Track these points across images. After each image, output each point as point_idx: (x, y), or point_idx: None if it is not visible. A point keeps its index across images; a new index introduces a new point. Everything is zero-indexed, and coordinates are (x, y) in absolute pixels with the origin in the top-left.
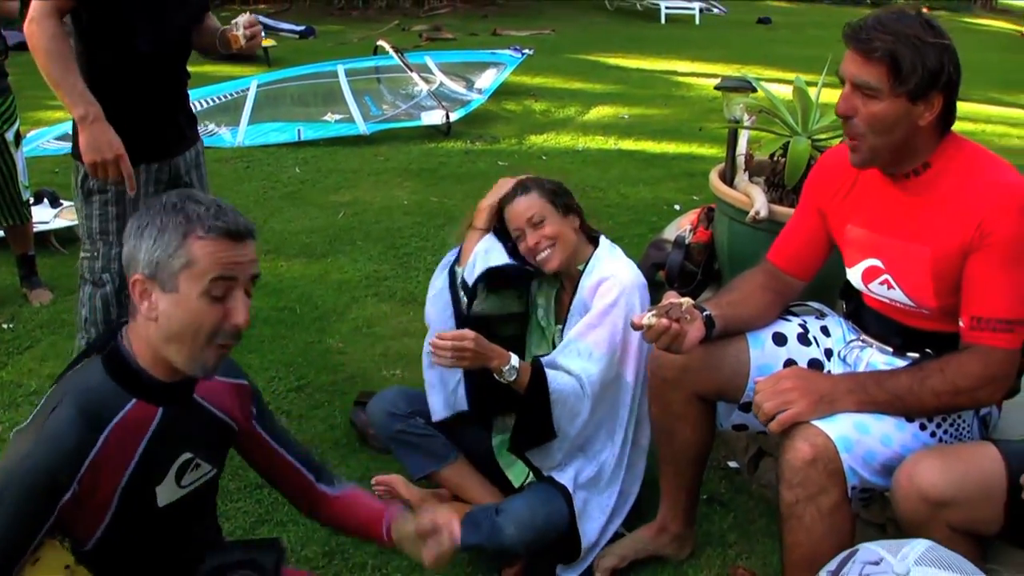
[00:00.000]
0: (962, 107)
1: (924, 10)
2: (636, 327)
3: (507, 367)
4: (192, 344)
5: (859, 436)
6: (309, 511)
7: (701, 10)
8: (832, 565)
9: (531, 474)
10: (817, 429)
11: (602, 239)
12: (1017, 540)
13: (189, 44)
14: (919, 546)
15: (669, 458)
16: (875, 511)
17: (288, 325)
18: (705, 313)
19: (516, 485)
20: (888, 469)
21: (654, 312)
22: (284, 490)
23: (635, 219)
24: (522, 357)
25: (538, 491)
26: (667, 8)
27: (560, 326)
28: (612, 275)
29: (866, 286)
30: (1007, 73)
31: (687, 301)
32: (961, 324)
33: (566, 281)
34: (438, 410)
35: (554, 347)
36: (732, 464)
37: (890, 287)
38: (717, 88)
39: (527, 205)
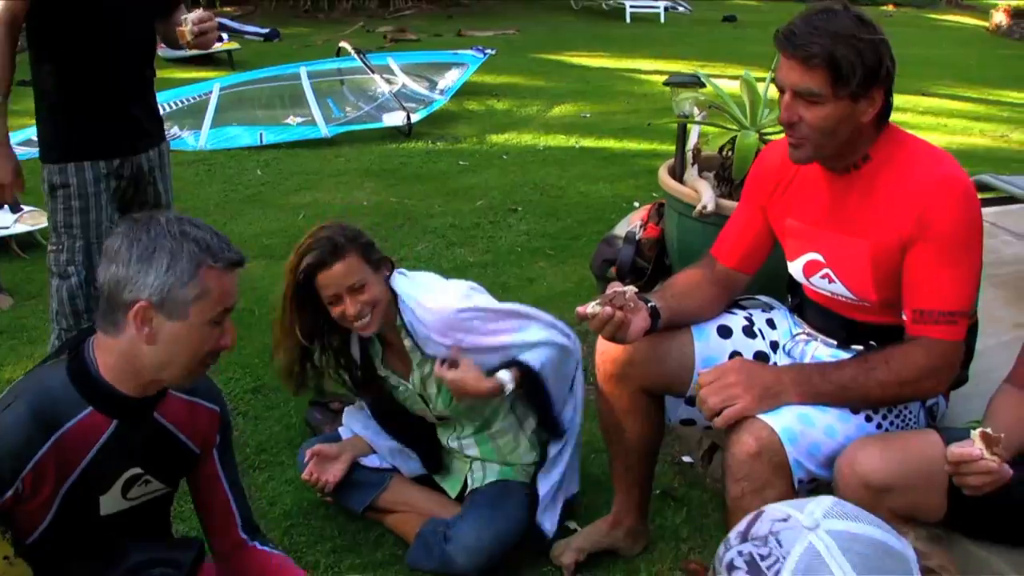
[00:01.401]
0: (925, 102)
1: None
2: (581, 317)
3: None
4: (189, 365)
5: (804, 428)
6: (220, 552)
7: (666, 8)
8: (741, 526)
9: (466, 485)
10: (762, 422)
11: (394, 286)
12: (960, 527)
13: (152, 39)
14: (825, 501)
15: (620, 453)
16: None
17: (246, 326)
18: (650, 304)
19: (452, 496)
20: (833, 461)
21: (599, 301)
22: (207, 523)
23: (593, 217)
24: (411, 423)
25: (484, 508)
26: (632, 7)
27: (411, 377)
28: (439, 312)
29: (808, 279)
30: (972, 68)
31: (631, 289)
32: (904, 317)
33: (385, 333)
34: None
35: (427, 401)
36: (686, 458)
37: (831, 280)
38: (666, 84)
39: (346, 271)
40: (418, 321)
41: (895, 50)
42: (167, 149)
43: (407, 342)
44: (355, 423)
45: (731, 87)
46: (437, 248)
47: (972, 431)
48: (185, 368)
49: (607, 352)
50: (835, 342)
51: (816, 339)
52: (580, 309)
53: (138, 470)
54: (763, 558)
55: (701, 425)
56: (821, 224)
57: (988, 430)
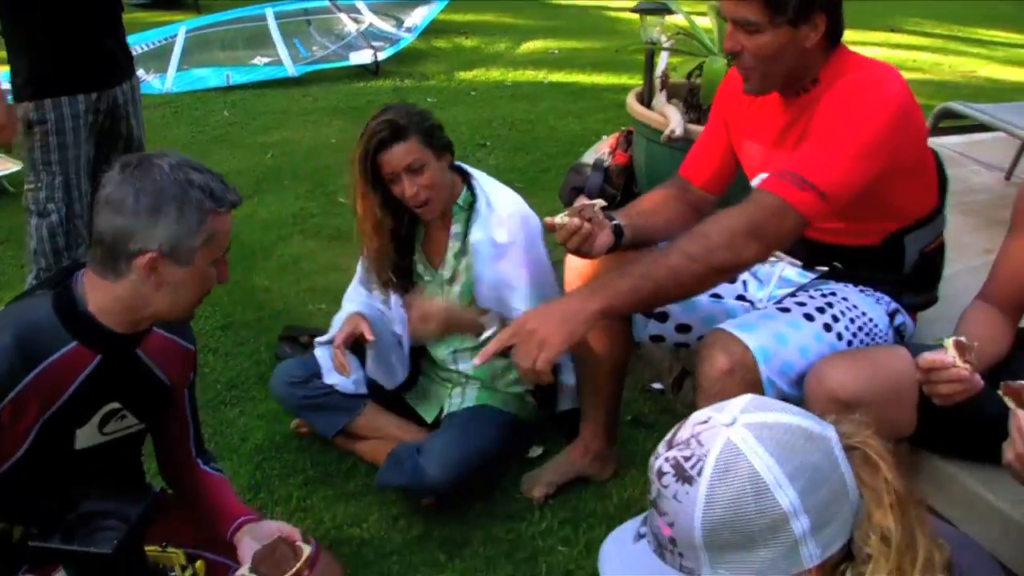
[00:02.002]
0: (895, 37)
1: None
2: (549, 226)
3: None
4: (194, 303)
5: (777, 347)
6: (171, 473)
7: None
8: (668, 435)
9: (442, 411)
10: (736, 339)
11: (469, 169)
12: (930, 443)
13: None
14: (743, 399)
15: (587, 373)
16: None
17: None
18: (614, 222)
19: (429, 421)
20: (804, 379)
21: (567, 212)
22: (161, 445)
23: (563, 151)
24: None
25: (458, 426)
26: None
27: (440, 269)
28: (514, 210)
29: None
30: (942, 5)
31: (599, 202)
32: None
33: (438, 220)
34: (393, 378)
35: (446, 295)
36: (656, 386)
37: None
38: (634, 10)
39: (405, 152)
40: (488, 207)
41: None
42: (138, 84)
43: (456, 227)
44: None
45: (703, 22)
46: None
47: (945, 339)
48: (190, 306)
49: (575, 268)
50: (800, 263)
51: (782, 260)
52: (548, 220)
53: (116, 404)
54: (687, 459)
55: (671, 341)
56: (775, 144)
57: (962, 338)
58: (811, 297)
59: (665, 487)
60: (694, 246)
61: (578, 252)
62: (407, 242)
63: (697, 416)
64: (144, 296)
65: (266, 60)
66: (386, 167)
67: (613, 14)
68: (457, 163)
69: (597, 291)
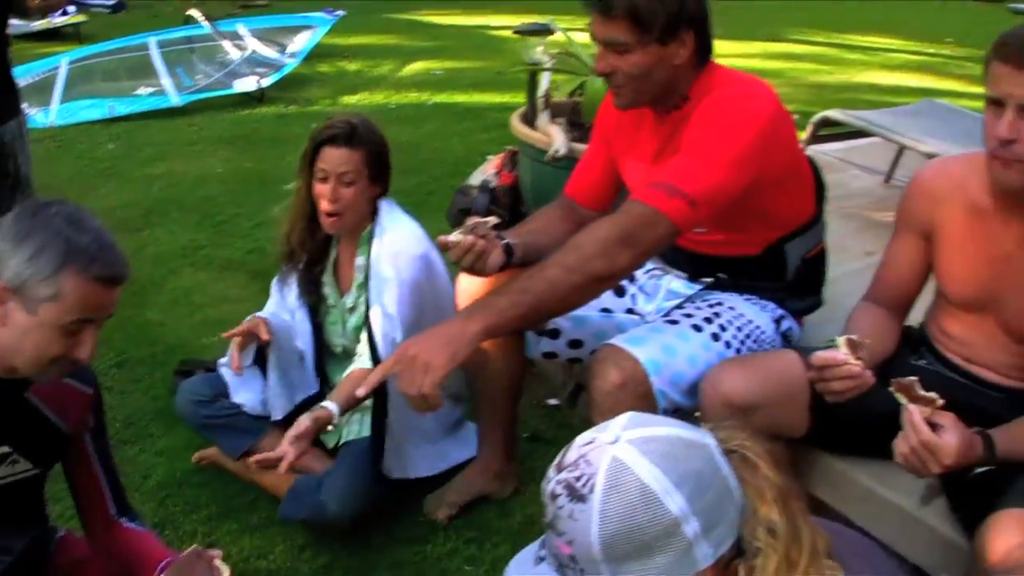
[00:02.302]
0: (776, 47)
1: None
2: (443, 246)
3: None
4: (34, 362)
5: (667, 359)
6: (92, 533)
7: None
8: (556, 459)
9: (341, 437)
10: (626, 353)
11: (385, 205)
12: (824, 442)
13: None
14: (622, 418)
15: (483, 392)
16: None
17: None
18: (504, 241)
19: (329, 447)
20: (695, 389)
21: (460, 230)
22: (80, 503)
23: (448, 172)
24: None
25: (356, 456)
26: None
27: (345, 297)
28: (402, 248)
29: None
30: (823, 13)
31: (492, 220)
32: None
33: (344, 242)
34: (279, 407)
35: (344, 324)
36: (552, 401)
37: None
38: (515, 32)
39: (346, 158)
40: (380, 242)
41: None
42: (24, 120)
43: (359, 259)
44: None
45: (583, 38)
46: None
47: (837, 337)
48: (31, 363)
49: (467, 289)
50: (685, 275)
51: (668, 273)
52: (442, 238)
53: (6, 448)
54: (577, 479)
55: (564, 357)
56: (654, 162)
57: (853, 336)
58: (698, 308)
59: (560, 508)
60: (569, 257)
61: (472, 270)
62: (321, 248)
63: (582, 438)
64: None
65: (150, 90)
66: (322, 162)
67: (494, 33)
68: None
69: (477, 311)
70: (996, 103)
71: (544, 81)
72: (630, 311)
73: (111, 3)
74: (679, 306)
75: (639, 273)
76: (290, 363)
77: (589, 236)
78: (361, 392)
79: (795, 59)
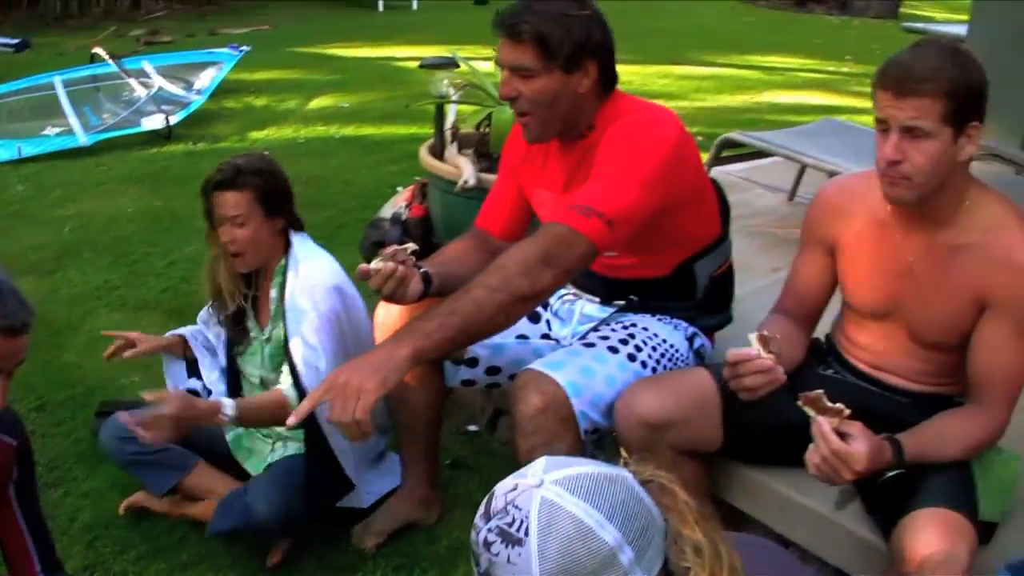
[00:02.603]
0: (678, 69)
1: None
2: (363, 274)
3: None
4: None
5: (586, 381)
6: None
7: None
8: (481, 509)
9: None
10: (548, 378)
11: (295, 237)
12: (738, 455)
13: None
14: (540, 462)
15: (405, 423)
16: (611, 452)
17: None
18: (422, 270)
19: (254, 474)
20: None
21: (381, 257)
22: (6, 561)
23: (358, 205)
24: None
25: (284, 466)
26: None
27: (265, 329)
28: (317, 280)
29: None
30: (722, 36)
31: (411, 246)
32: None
33: (262, 276)
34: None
35: (263, 356)
36: (472, 427)
37: None
38: (421, 66)
39: (234, 202)
40: (295, 274)
41: (647, 22)
42: None
43: (273, 292)
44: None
45: (486, 67)
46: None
47: (749, 335)
48: None
49: (385, 322)
50: (597, 299)
51: (581, 297)
52: (363, 267)
53: None
54: (510, 524)
55: (482, 384)
56: (564, 190)
57: (764, 332)
58: (613, 330)
59: (496, 555)
60: (493, 278)
61: (392, 298)
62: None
63: (504, 486)
64: None
65: (57, 130)
66: (216, 208)
67: (399, 65)
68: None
69: (405, 336)
70: (881, 125)
71: (451, 113)
72: (545, 336)
73: (15, 42)
74: (594, 329)
75: (552, 299)
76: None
77: (511, 257)
78: (291, 421)
79: (697, 80)
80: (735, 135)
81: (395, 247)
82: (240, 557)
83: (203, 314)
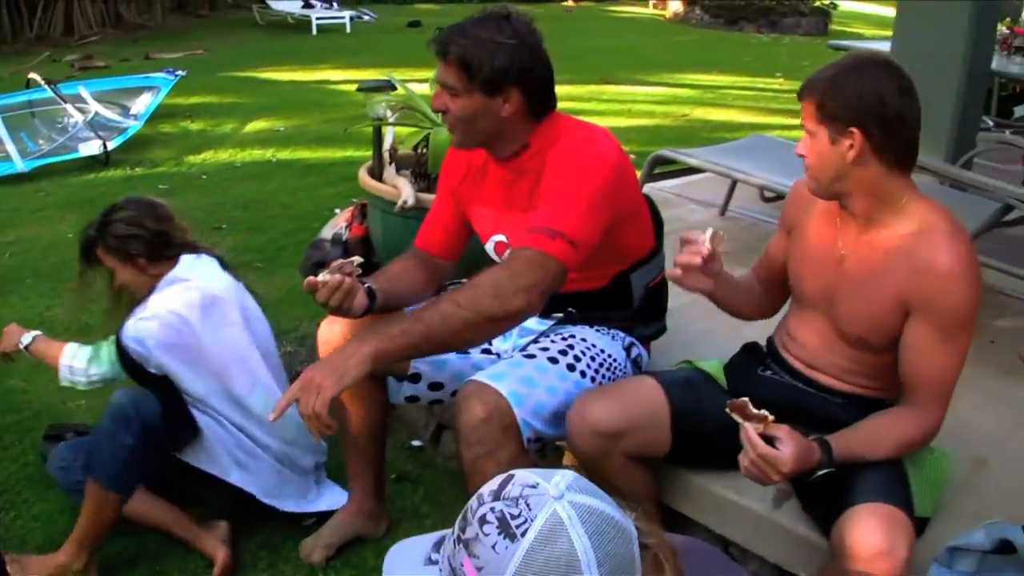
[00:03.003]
0: (609, 90)
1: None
2: (311, 286)
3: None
4: None
5: (528, 390)
6: None
7: (352, 18)
8: (494, 485)
9: None
10: (490, 388)
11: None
12: (683, 459)
13: None
14: (568, 475)
15: (350, 440)
16: (552, 459)
17: None
18: (366, 285)
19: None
20: (557, 417)
21: (328, 270)
22: None
23: (298, 227)
24: None
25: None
26: (318, 19)
27: None
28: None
29: (500, 258)
30: (652, 55)
31: (357, 259)
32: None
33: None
34: None
35: None
36: (416, 442)
37: None
38: (359, 89)
39: (108, 261)
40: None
41: (578, 42)
42: None
43: None
44: None
45: (422, 89)
46: None
47: (709, 229)
48: None
49: (328, 341)
50: (537, 313)
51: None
52: (310, 279)
53: None
54: (513, 518)
55: (426, 400)
56: (500, 207)
57: (720, 232)
58: (552, 341)
59: (486, 535)
60: (463, 295)
61: (339, 311)
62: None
63: (525, 477)
64: None
65: None
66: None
67: (333, 88)
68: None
69: (368, 336)
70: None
71: (389, 135)
72: (486, 351)
73: None
74: (534, 341)
75: None
76: None
77: (483, 278)
78: (271, 418)
79: (629, 101)
80: (666, 152)
81: (341, 260)
82: (192, 574)
83: None
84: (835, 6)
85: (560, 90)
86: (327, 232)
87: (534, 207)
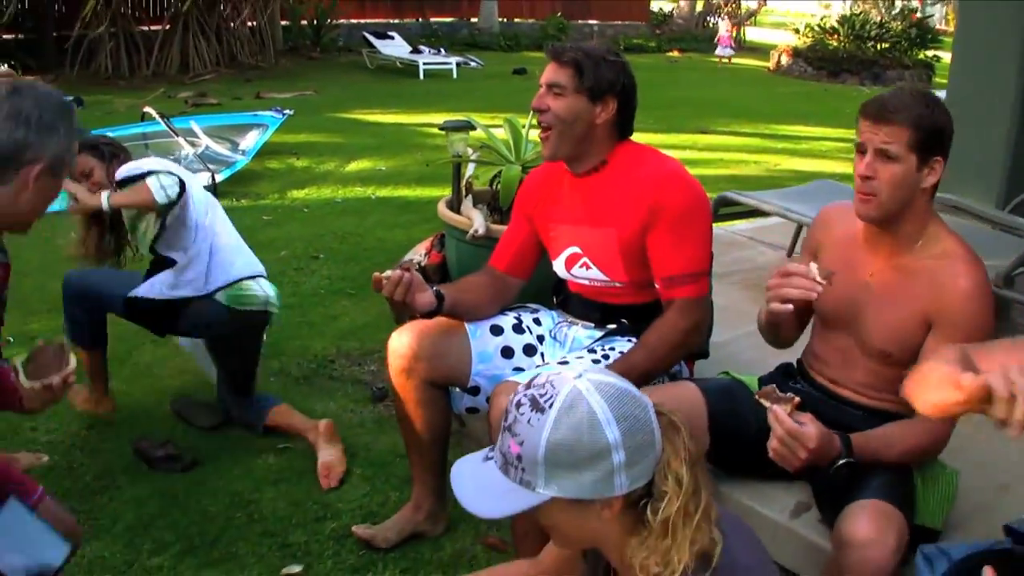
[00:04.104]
0: (704, 139)
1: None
2: (377, 283)
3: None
4: None
5: None
6: None
7: (458, 64)
8: (526, 380)
9: None
10: (516, 384)
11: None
12: (718, 460)
13: None
14: (586, 363)
15: (413, 442)
16: None
17: None
18: (435, 288)
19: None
20: None
21: (390, 269)
22: None
23: (390, 259)
24: None
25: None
26: (425, 64)
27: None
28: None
29: (569, 272)
30: (750, 106)
31: (416, 258)
32: (658, 287)
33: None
34: None
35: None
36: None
37: (588, 268)
38: (440, 129)
39: (81, 163)
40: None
41: (678, 92)
42: None
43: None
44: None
45: (498, 132)
46: None
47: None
48: None
49: (396, 350)
50: (592, 324)
51: (576, 324)
52: (376, 274)
53: None
54: (540, 396)
55: (484, 411)
56: (576, 221)
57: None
58: (591, 351)
59: (521, 414)
60: (653, 349)
61: (403, 306)
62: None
63: (551, 371)
64: None
65: None
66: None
67: (434, 130)
68: None
69: None
70: (860, 149)
71: (467, 172)
72: (538, 366)
73: (68, 99)
74: (579, 357)
75: (550, 323)
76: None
77: (665, 329)
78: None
79: (722, 150)
80: (730, 194)
81: (403, 261)
82: (264, 557)
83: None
84: (938, 59)
85: (655, 139)
86: (407, 259)
87: (607, 220)
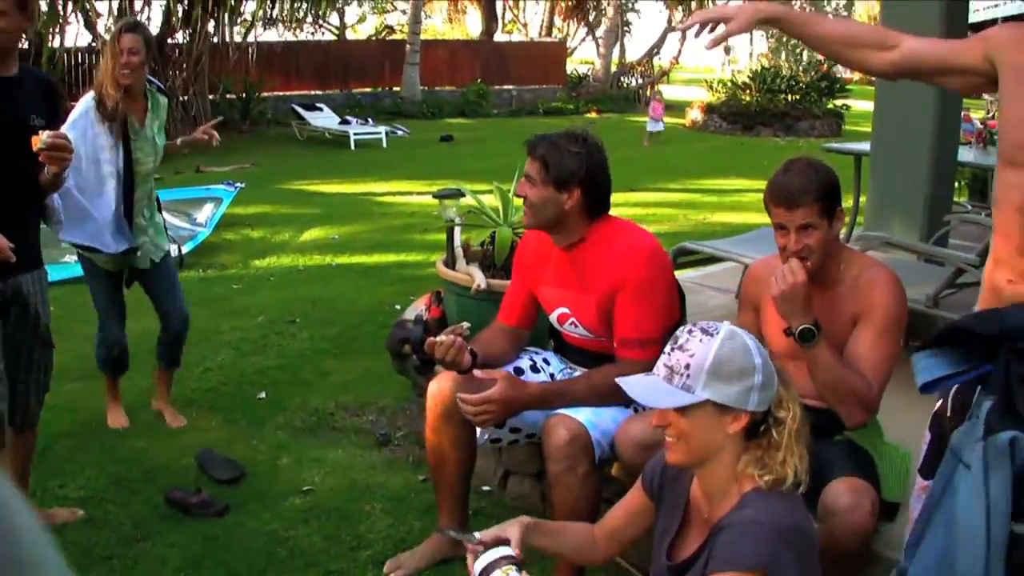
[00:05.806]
0: (635, 196)
1: (589, 127)
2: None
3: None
4: None
5: (598, 419)
6: None
7: (387, 133)
8: (689, 326)
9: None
10: (572, 418)
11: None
12: None
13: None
14: (726, 325)
15: (446, 479)
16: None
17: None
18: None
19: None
20: None
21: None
22: None
23: (364, 320)
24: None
25: None
26: (355, 135)
27: (144, 129)
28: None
29: (562, 327)
30: (674, 162)
31: (465, 324)
32: (615, 344)
33: (137, 97)
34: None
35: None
36: (486, 488)
37: (576, 325)
38: (435, 196)
39: (133, 42)
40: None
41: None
42: (46, 274)
43: (150, 99)
44: (78, 229)
45: (487, 199)
46: (234, 358)
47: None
48: None
49: (436, 395)
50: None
51: (577, 370)
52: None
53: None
54: (708, 327)
55: (506, 441)
56: (564, 286)
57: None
58: None
59: (692, 335)
60: (592, 387)
61: (452, 365)
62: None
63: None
64: None
65: (75, 258)
66: (121, 43)
67: (377, 199)
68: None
69: (537, 398)
70: (779, 227)
71: (458, 234)
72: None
73: None
74: None
75: (555, 369)
76: (88, 184)
77: (607, 377)
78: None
79: (653, 206)
80: (688, 244)
81: (454, 326)
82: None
83: (84, 123)
84: (847, 108)
85: None
86: (410, 313)
87: (588, 287)
